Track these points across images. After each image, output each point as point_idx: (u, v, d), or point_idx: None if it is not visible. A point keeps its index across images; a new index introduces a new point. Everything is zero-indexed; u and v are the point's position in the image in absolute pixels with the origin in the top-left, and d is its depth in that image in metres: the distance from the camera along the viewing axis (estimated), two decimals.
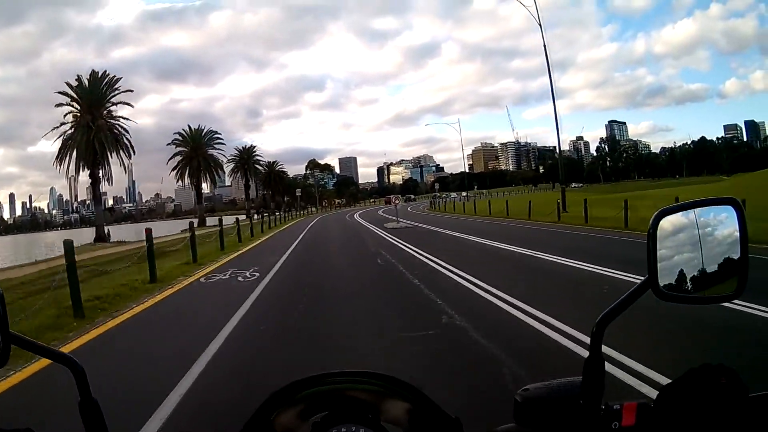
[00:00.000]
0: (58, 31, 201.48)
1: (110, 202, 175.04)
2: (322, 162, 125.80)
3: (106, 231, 41.13)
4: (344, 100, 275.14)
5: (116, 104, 42.10)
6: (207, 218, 49.66)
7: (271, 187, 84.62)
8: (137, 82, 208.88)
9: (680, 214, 0.90)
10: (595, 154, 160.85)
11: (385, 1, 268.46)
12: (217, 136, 61.75)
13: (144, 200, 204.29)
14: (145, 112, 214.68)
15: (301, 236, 22.90)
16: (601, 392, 0.86)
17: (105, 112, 40.86)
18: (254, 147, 78.39)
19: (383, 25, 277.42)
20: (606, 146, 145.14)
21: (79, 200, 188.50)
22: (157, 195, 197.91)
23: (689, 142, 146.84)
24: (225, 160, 67.85)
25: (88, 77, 41.33)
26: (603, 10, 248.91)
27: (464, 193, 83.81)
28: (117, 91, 42.12)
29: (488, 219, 27.09)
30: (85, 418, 0.92)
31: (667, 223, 0.89)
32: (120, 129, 41.47)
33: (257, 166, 76.09)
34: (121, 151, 41.30)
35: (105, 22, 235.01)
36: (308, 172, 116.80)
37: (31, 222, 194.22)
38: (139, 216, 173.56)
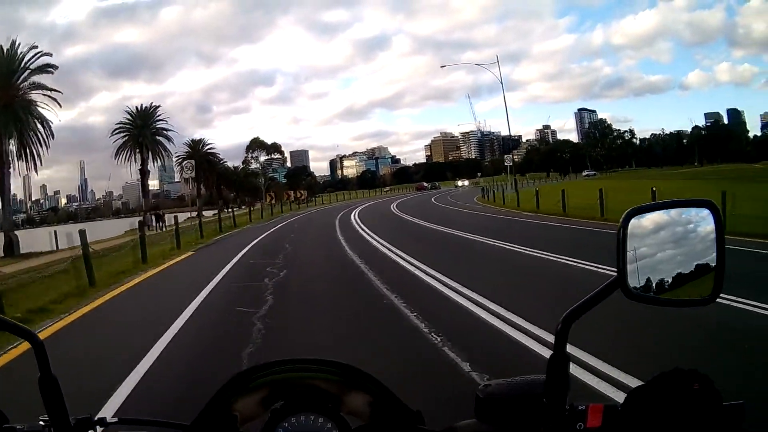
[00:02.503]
0: (11, 28, 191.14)
1: (63, 200, 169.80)
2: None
3: (12, 239, 33.36)
4: (294, 94, 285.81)
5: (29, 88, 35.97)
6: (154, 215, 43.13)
7: (204, 177, 72.15)
8: (89, 79, 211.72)
9: (655, 213, 0.91)
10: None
11: None
12: (162, 116, 57.19)
13: (96, 198, 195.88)
14: (97, 110, 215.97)
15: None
16: (566, 392, 0.86)
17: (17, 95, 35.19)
18: (204, 140, 71.88)
19: (334, 18, 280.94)
20: (597, 133, 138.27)
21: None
22: (109, 192, 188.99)
23: (691, 128, 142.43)
24: (175, 153, 63.50)
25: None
26: (561, 1, 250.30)
27: (463, 183, 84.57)
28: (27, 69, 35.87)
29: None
30: (45, 395, 0.91)
31: (641, 222, 0.90)
32: (25, 114, 35.33)
33: (210, 158, 68.00)
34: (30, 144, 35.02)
35: (58, 19, 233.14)
36: (250, 155, 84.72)
37: None
38: (84, 215, 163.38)
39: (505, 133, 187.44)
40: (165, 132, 56.60)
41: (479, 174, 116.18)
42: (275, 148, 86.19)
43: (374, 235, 16.79)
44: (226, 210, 56.10)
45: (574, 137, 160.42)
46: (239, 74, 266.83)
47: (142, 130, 53.95)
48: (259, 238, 19.49)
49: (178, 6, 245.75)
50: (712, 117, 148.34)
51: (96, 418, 0.96)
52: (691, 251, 0.89)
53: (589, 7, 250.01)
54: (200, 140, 72.26)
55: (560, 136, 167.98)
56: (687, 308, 0.91)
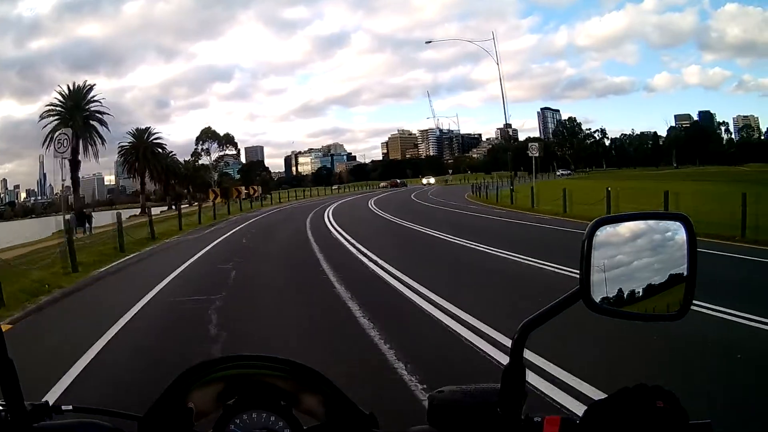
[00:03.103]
0: None
1: (23, 195, 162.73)
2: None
3: None
4: (251, 90, 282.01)
5: None
6: (93, 213, 38.26)
7: (149, 170, 65.68)
8: (51, 73, 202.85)
9: (624, 224, 0.91)
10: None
11: None
12: (97, 98, 52.23)
13: (54, 193, 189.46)
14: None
15: None
16: (521, 402, 0.86)
17: None
18: (150, 129, 64.99)
19: (294, 15, 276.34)
20: (565, 131, 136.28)
21: None
22: (66, 188, 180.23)
23: (668, 128, 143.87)
24: (118, 143, 59.73)
25: None
26: (525, 2, 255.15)
27: (429, 180, 79.59)
28: None
29: None
30: (1, 379, 0.92)
31: (608, 233, 0.90)
32: None
33: (158, 150, 62.94)
34: None
35: (25, 12, 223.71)
36: (200, 146, 75.38)
37: None
38: (41, 210, 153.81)
39: (464, 131, 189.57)
40: (100, 116, 51.04)
41: (450, 171, 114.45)
42: (228, 140, 77.41)
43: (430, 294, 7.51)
44: (173, 207, 51.84)
45: (535, 136, 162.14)
46: (198, 69, 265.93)
47: (73, 113, 48.37)
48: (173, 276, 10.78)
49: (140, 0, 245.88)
50: (684, 119, 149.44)
51: (52, 405, 0.97)
52: (660, 265, 0.89)
53: (553, 8, 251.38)
54: (146, 129, 66.84)
55: (521, 135, 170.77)
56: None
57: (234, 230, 21.87)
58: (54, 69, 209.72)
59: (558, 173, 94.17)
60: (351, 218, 24.37)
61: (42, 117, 47.75)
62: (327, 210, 31.77)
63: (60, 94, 50.04)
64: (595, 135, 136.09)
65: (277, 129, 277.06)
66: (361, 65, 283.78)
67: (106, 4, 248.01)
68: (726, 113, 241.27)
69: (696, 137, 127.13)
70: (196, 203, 45.45)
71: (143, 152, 61.51)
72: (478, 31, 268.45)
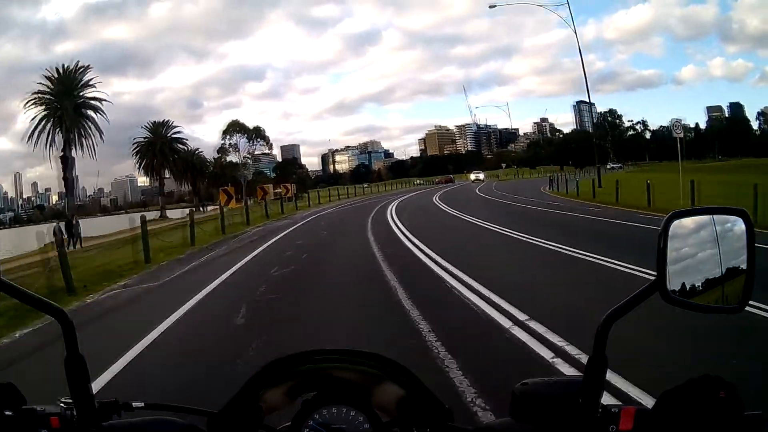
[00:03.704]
0: (3, 27, 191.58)
1: (55, 198, 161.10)
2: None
3: None
4: (284, 89, 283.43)
5: None
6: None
7: (170, 168, 57.60)
8: (80, 77, 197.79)
9: (692, 218, 0.95)
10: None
11: None
12: (93, 81, 45.48)
13: (87, 195, 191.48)
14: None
15: None
16: (601, 393, 0.90)
17: None
18: (169, 121, 56.67)
19: (323, 13, 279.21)
20: (606, 124, 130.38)
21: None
22: (99, 189, 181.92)
23: (706, 120, 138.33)
24: (132, 139, 54.09)
25: None
26: None
27: (477, 175, 79.20)
28: None
29: None
30: (70, 376, 0.91)
31: (679, 226, 0.94)
32: None
33: (177, 145, 55.16)
34: None
35: (49, 16, 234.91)
36: (227, 140, 64.88)
37: None
38: (45, 216, 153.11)
39: (501, 126, 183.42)
40: (96, 102, 43.16)
41: (503, 165, 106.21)
42: (258, 133, 66.22)
43: None
44: (200, 209, 44.40)
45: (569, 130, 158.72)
46: (229, 69, 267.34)
47: (62, 101, 39.87)
48: None
49: (167, 2, 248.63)
50: (716, 110, 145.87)
51: (122, 402, 0.96)
52: (722, 258, 0.91)
53: (582, 1, 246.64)
54: (164, 122, 59.85)
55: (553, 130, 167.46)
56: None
57: (234, 271, 11.37)
58: (83, 72, 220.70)
59: (608, 167, 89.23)
60: (438, 232, 16.10)
61: (26, 107, 40.15)
62: (390, 213, 24.20)
63: (48, 78, 42.08)
64: (637, 127, 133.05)
65: (312, 128, 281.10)
66: (393, 62, 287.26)
67: (131, 6, 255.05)
68: (752, 105, 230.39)
69: (736, 129, 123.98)
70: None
71: (160, 148, 55.02)
72: (508, 26, 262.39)
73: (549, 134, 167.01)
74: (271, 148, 76.23)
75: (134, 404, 0.96)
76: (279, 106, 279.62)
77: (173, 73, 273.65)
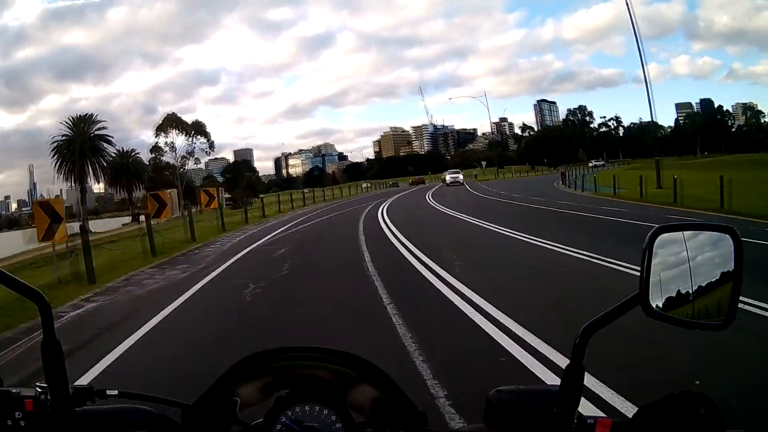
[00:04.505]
0: None
1: (14, 205, 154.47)
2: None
3: None
4: (239, 93, 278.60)
5: None
6: None
7: (92, 170, 49.90)
8: (38, 82, 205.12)
9: (678, 233, 0.95)
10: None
11: None
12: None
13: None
14: (47, 113, 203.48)
15: None
16: (577, 404, 0.90)
17: None
18: (93, 116, 48.20)
19: (278, 16, 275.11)
20: (576, 121, 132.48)
21: None
22: (56, 196, 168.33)
23: (684, 116, 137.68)
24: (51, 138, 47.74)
25: None
26: None
27: (455, 175, 68.09)
28: None
29: None
30: (46, 361, 0.93)
31: (664, 241, 0.94)
32: None
33: (103, 144, 47.44)
34: None
35: (10, 22, 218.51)
36: (162, 137, 56.25)
37: None
38: (25, 221, 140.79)
39: (458, 126, 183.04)
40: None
41: (483, 163, 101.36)
42: (197, 128, 56.60)
43: None
44: (138, 220, 37.02)
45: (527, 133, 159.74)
46: (184, 74, 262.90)
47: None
48: None
49: (124, 6, 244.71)
50: (685, 107, 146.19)
51: (96, 390, 0.97)
52: (707, 275, 0.92)
53: (540, 1, 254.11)
54: (87, 116, 50.97)
55: (516, 130, 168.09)
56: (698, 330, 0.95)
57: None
58: (41, 78, 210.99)
59: (591, 164, 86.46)
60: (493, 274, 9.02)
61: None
62: (396, 237, 14.86)
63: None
64: (610, 124, 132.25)
65: (265, 132, 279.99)
66: (348, 65, 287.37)
67: (90, 11, 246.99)
68: (719, 101, 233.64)
69: (715, 125, 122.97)
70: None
71: (80, 147, 47.20)
72: (464, 28, 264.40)
73: (508, 133, 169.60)
74: (212, 146, 63.92)
75: (108, 392, 0.97)
76: (233, 110, 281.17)
77: (129, 79, 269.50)
